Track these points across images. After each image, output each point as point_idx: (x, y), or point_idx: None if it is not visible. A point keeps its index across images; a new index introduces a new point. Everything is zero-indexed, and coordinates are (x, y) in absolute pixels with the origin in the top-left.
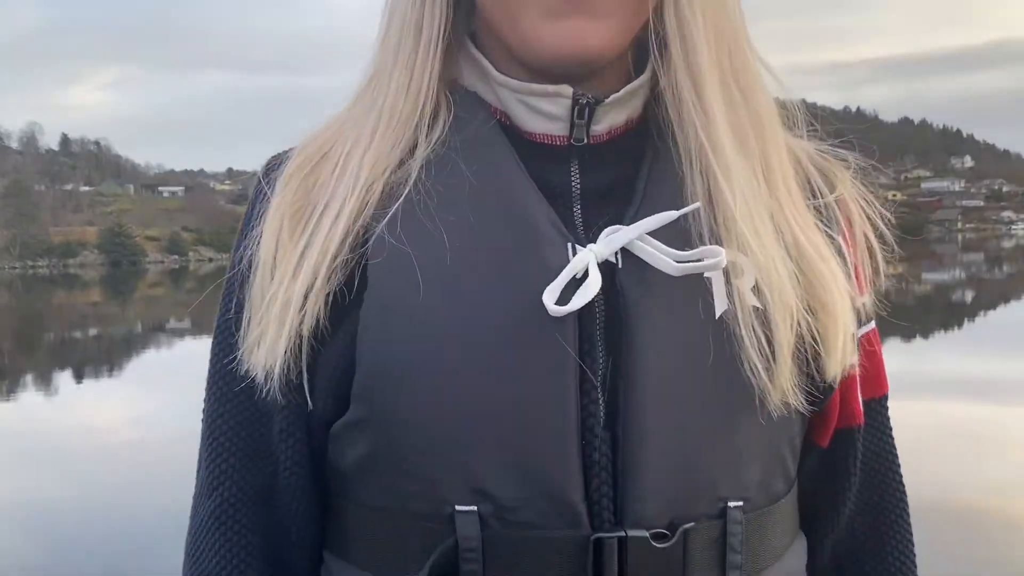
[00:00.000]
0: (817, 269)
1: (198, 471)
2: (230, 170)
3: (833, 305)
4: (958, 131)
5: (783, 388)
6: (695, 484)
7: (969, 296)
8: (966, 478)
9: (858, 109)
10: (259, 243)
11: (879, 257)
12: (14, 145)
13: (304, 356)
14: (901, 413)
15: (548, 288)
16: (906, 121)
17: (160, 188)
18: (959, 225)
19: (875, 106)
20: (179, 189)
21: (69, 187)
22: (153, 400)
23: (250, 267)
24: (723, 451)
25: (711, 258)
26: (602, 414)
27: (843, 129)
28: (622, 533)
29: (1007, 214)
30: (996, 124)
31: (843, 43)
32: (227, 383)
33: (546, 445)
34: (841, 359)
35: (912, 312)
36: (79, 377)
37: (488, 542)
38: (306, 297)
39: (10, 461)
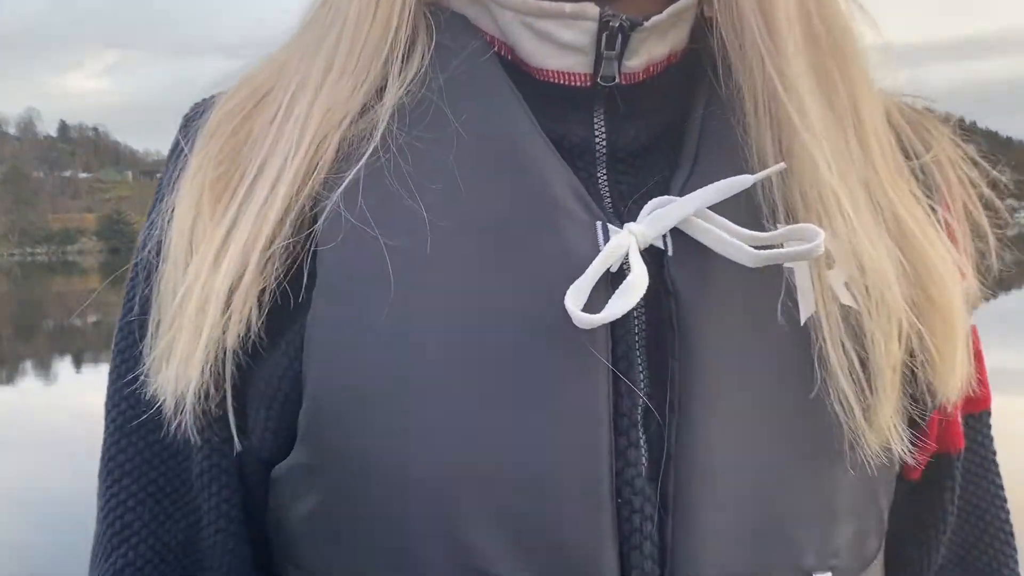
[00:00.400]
0: (926, 256)
1: (96, 524)
2: None
3: (949, 305)
4: (961, 119)
5: (884, 427)
6: (770, 554)
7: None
8: None
9: None
10: (171, 220)
11: (989, 233)
12: (12, 131)
13: (229, 376)
14: None
15: (571, 288)
16: None
17: (159, 174)
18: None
19: None
20: None
21: (68, 174)
22: None
23: (158, 253)
24: (806, 508)
25: (801, 242)
26: (644, 461)
27: None
28: None
29: (1010, 202)
30: (999, 112)
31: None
32: (129, 408)
33: (568, 505)
34: (960, 374)
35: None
36: (78, 364)
37: None
38: (231, 294)
39: (9, 448)
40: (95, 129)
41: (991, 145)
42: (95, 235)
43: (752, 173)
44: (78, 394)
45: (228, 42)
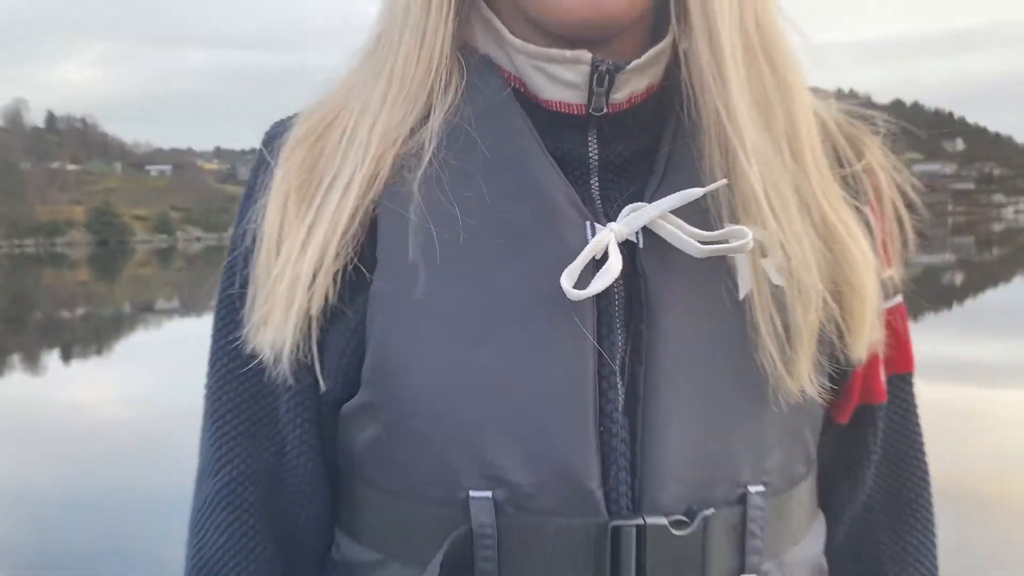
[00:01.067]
0: (845, 247)
1: (201, 451)
2: (218, 149)
3: (861, 285)
4: (950, 114)
5: (800, 377)
6: (715, 470)
7: (959, 279)
8: (956, 458)
9: (851, 91)
10: (263, 216)
11: (908, 228)
12: None
13: (314, 336)
14: None
15: (566, 270)
16: (898, 103)
17: (148, 167)
18: (949, 208)
19: (868, 88)
20: (167, 168)
21: (55, 165)
22: (141, 380)
23: (254, 241)
24: (743, 437)
25: (737, 239)
26: (621, 399)
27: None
28: (640, 520)
29: (997, 197)
30: (987, 107)
31: (837, 24)
32: (231, 361)
33: (563, 430)
34: (867, 339)
35: (903, 295)
36: (67, 357)
37: (503, 528)
38: (315, 275)
39: None
40: (83, 120)
41: (980, 140)
42: (84, 227)
43: (703, 187)
44: (66, 387)
45: (217, 33)
